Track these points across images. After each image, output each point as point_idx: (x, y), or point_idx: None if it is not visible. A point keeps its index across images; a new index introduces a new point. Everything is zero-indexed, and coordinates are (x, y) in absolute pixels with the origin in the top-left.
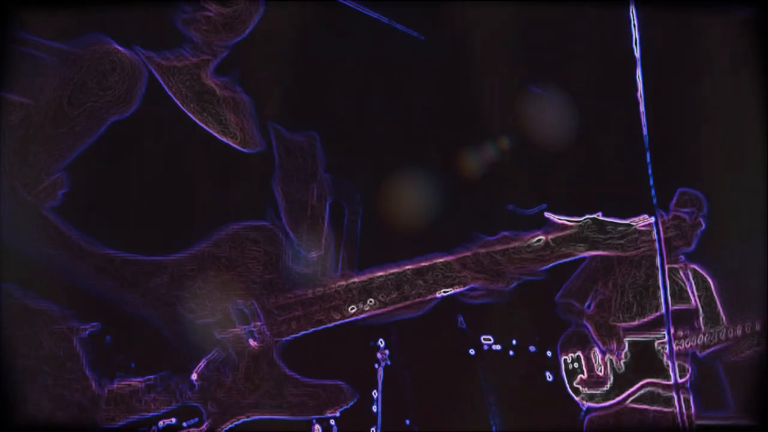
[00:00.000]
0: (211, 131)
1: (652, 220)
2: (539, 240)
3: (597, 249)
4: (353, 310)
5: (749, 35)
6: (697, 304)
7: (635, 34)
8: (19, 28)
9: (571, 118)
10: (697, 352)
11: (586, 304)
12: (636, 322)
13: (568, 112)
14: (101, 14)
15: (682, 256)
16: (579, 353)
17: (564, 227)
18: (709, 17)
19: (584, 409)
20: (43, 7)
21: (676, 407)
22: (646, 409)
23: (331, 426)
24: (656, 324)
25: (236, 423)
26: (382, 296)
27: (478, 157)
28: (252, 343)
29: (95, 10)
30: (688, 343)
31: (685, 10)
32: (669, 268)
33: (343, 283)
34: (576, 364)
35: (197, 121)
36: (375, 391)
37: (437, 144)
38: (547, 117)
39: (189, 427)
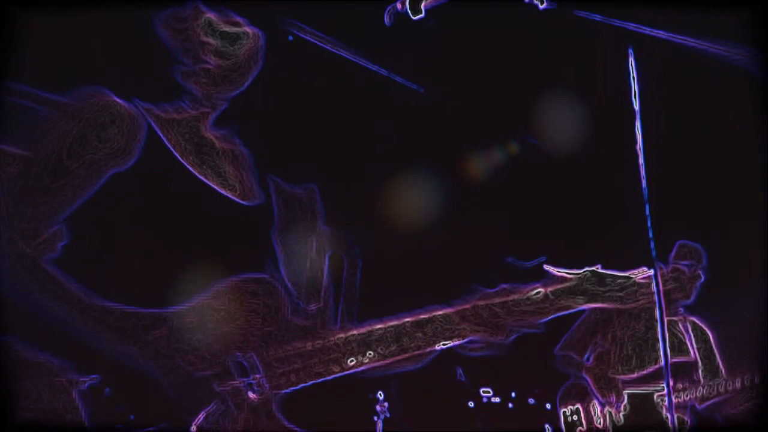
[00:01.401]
0: (210, 183)
1: (651, 272)
2: (538, 293)
3: (596, 301)
4: (352, 363)
5: (752, 84)
6: (696, 357)
7: (635, 86)
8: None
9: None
10: (697, 405)
11: (585, 356)
12: (635, 375)
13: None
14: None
15: (681, 309)
16: (578, 406)
17: (563, 280)
18: (711, 63)
19: None
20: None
21: None
22: None
23: None
24: (655, 376)
25: None
26: (381, 349)
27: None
28: (251, 395)
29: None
30: (687, 396)
31: (686, 59)
32: (668, 321)
33: (342, 335)
34: (575, 417)
35: (196, 173)
36: None
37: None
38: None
39: None
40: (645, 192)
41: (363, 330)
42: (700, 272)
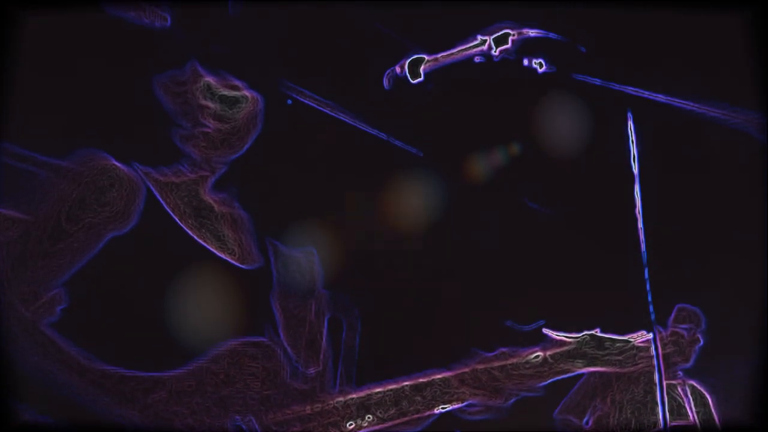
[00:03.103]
0: (209, 247)
1: (650, 336)
2: (537, 356)
3: (595, 365)
4: (351, 426)
5: (754, 148)
6: (695, 420)
7: (633, 150)
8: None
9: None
10: None
11: (584, 419)
12: None
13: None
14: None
15: (680, 372)
16: None
17: (562, 343)
18: (712, 127)
19: None
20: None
21: None
22: None
23: None
24: None
25: None
26: (380, 412)
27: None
28: None
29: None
30: None
31: (687, 122)
32: (667, 384)
33: (341, 399)
34: None
35: (195, 236)
36: None
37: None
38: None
39: None
40: (644, 255)
41: (362, 393)
42: (699, 336)
